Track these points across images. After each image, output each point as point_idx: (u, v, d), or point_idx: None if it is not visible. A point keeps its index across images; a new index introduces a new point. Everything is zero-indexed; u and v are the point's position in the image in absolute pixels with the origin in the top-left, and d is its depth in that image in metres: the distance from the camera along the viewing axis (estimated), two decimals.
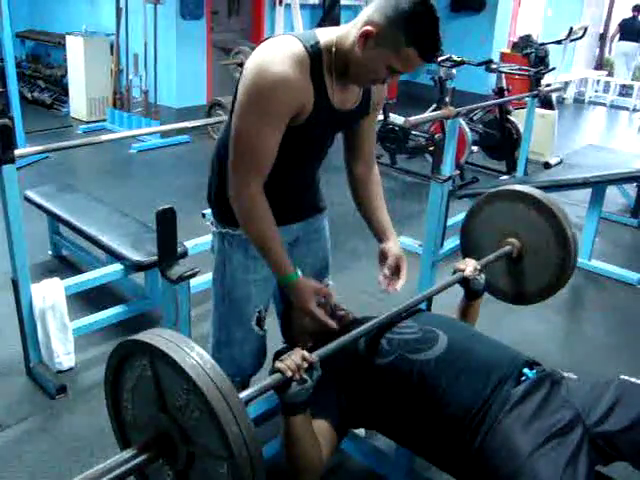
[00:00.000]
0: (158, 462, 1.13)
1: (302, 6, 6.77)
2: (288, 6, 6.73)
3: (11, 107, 4.83)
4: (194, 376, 0.99)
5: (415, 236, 3.83)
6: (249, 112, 1.45)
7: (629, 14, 9.97)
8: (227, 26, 7.04)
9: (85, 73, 6.45)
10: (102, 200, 3.36)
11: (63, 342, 2.46)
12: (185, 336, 1.08)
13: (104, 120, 6.49)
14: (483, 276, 1.82)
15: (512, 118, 5.39)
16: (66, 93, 6.89)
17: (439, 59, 4.65)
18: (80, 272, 3.08)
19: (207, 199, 1.79)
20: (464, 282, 1.81)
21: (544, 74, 5.32)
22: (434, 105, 5.25)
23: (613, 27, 10.85)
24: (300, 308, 1.59)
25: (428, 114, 4.56)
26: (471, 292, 1.84)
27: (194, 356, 1.02)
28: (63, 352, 2.47)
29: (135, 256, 2.64)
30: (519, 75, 5.70)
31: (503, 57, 8.14)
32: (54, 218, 3.26)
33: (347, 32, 1.45)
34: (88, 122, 6.50)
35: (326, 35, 1.48)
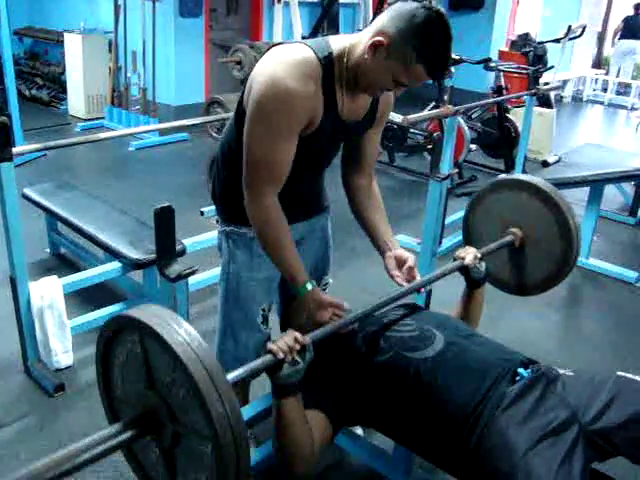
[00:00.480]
0: (144, 439, 1.12)
1: (301, 4, 6.76)
2: (287, 4, 6.72)
3: (9, 104, 4.81)
4: (180, 353, 0.97)
5: (413, 234, 3.83)
6: (262, 126, 1.44)
7: (629, 12, 9.98)
8: (226, 24, 7.03)
9: (83, 71, 6.45)
10: (100, 198, 3.36)
11: (61, 340, 2.46)
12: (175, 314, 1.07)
13: (102, 118, 6.48)
14: (484, 264, 1.80)
15: (510, 116, 5.40)
16: (64, 91, 6.89)
17: None
18: (78, 270, 3.08)
19: (212, 198, 1.79)
20: (464, 270, 1.79)
21: (542, 72, 5.32)
22: (432, 103, 5.25)
23: (611, 26, 10.87)
24: (313, 321, 1.56)
25: (427, 112, 4.57)
26: (472, 281, 1.82)
27: (182, 333, 1.00)
28: (61, 350, 2.47)
29: (133, 254, 2.64)
30: (517, 73, 5.71)
31: (502, 55, 8.14)
32: (52, 216, 3.25)
33: (359, 40, 1.45)
34: (86, 120, 6.50)
35: (339, 43, 1.47)
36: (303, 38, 5.47)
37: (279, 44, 1.50)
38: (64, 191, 3.36)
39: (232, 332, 1.80)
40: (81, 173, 5.29)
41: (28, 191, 3.30)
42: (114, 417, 1.23)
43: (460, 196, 4.38)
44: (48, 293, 2.41)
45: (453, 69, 5.06)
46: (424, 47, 1.35)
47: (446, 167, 3.41)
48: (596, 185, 3.71)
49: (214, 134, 5.47)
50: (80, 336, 2.56)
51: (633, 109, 9.39)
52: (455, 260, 1.80)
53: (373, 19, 1.51)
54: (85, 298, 2.91)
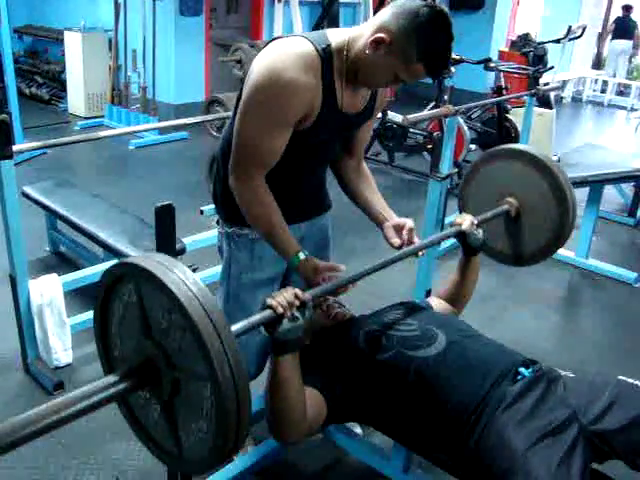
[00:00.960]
0: (142, 392, 1.10)
1: (301, 3, 6.77)
2: (287, 3, 6.72)
3: (9, 103, 4.81)
4: (175, 290, 0.95)
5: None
6: (256, 113, 1.45)
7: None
8: (226, 23, 7.03)
9: (83, 69, 6.44)
10: (100, 196, 3.36)
11: (61, 338, 2.47)
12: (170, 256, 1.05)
13: (102, 116, 6.48)
14: (481, 231, 1.79)
15: (510, 117, 5.39)
16: (64, 89, 6.88)
17: None
18: (78, 268, 3.08)
19: (212, 198, 1.78)
20: (461, 236, 1.78)
21: (542, 73, 5.31)
22: (432, 103, 5.25)
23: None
24: (307, 283, 1.55)
25: (426, 112, 4.56)
26: (469, 247, 1.81)
27: (177, 272, 0.98)
28: (61, 348, 2.47)
29: (133, 252, 2.64)
30: (517, 74, 5.70)
31: (502, 56, 8.15)
32: (52, 214, 3.25)
33: (359, 33, 1.44)
34: (86, 118, 6.49)
35: (338, 36, 1.47)
36: None
37: (278, 38, 1.50)
38: (64, 189, 3.37)
39: None
40: (81, 171, 5.29)
41: (28, 189, 3.30)
42: None
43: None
44: (48, 291, 2.41)
45: (453, 69, 5.07)
46: (426, 46, 1.35)
47: (446, 167, 3.40)
48: (595, 186, 3.72)
49: (214, 133, 5.47)
50: (79, 334, 2.56)
51: (633, 110, 9.39)
52: (452, 226, 1.79)
53: None
54: (85, 296, 2.91)
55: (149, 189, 4.57)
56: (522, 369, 1.46)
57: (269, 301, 1.24)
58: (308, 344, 1.58)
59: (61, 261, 3.43)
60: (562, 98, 9.76)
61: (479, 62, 5.12)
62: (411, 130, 5.24)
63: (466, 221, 1.77)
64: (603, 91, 10.12)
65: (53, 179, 3.58)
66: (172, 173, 5.15)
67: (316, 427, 1.48)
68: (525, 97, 4.62)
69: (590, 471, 1.33)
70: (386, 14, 1.39)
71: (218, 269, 1.83)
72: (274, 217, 1.54)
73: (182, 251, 2.67)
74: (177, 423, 1.09)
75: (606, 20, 11.41)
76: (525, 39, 7.93)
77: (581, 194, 3.87)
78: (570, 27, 6.94)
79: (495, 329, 2.70)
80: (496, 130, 5.35)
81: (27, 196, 3.25)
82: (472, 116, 5.61)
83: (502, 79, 5.57)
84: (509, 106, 5.52)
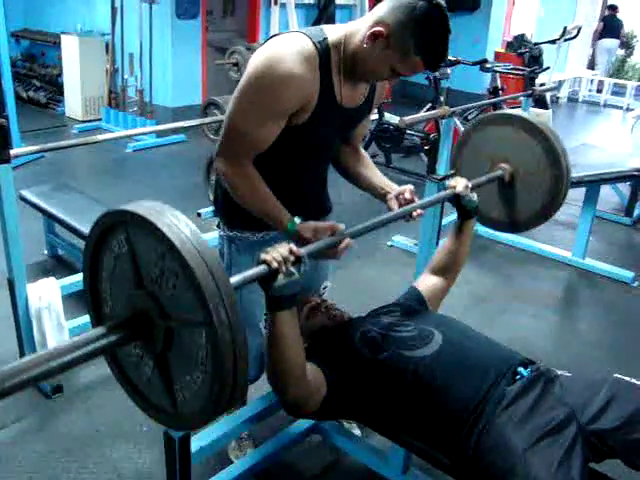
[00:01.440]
0: (135, 349, 1.07)
1: (297, 6, 6.77)
2: (283, 6, 6.73)
3: (6, 106, 4.80)
4: (168, 233, 0.92)
5: (410, 235, 3.84)
6: (249, 101, 1.45)
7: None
8: (222, 26, 7.03)
9: (80, 72, 6.45)
10: (98, 199, 3.36)
11: (59, 341, 2.47)
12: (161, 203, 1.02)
13: (99, 120, 6.48)
14: (475, 194, 1.78)
15: None
16: (61, 92, 6.88)
17: None
18: (76, 272, 3.08)
19: (213, 203, 1.78)
20: (455, 199, 1.77)
21: (538, 73, 5.34)
22: (429, 104, 5.27)
23: None
24: (302, 243, 1.52)
25: (423, 113, 4.57)
26: (463, 210, 1.80)
27: (169, 216, 0.96)
28: None
29: None
30: (513, 74, 5.72)
31: (497, 56, 8.17)
32: (50, 218, 3.26)
33: (356, 28, 1.45)
34: (83, 121, 6.50)
35: (334, 32, 1.48)
36: None
37: (276, 35, 1.51)
38: (61, 193, 3.37)
39: None
40: (78, 175, 5.29)
41: (26, 193, 3.30)
42: None
43: None
44: (46, 295, 2.41)
45: (449, 70, 5.09)
46: (423, 40, 1.36)
47: (442, 168, 3.42)
48: (592, 185, 3.73)
49: (211, 136, 5.46)
50: None
51: (629, 110, 9.41)
52: (447, 189, 1.79)
53: None
54: (82, 300, 2.90)
55: (146, 192, 4.57)
56: (521, 369, 1.46)
57: (263, 256, 1.21)
58: (308, 344, 1.60)
59: (59, 264, 3.43)
60: (558, 98, 9.77)
61: (475, 63, 5.14)
62: (408, 131, 5.25)
63: (460, 184, 1.76)
64: (599, 91, 10.15)
65: (51, 183, 3.59)
66: (169, 176, 5.15)
67: (317, 398, 1.47)
68: (521, 98, 4.63)
69: (589, 471, 1.34)
70: (383, 8, 1.40)
71: None
72: (264, 192, 1.53)
73: None
74: (171, 377, 1.06)
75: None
76: (521, 40, 7.95)
77: (578, 194, 3.89)
78: (565, 28, 6.97)
79: (493, 329, 2.71)
80: None
81: (25, 200, 3.25)
82: (468, 117, 5.62)
83: (498, 80, 5.59)
84: (505, 107, 5.53)
